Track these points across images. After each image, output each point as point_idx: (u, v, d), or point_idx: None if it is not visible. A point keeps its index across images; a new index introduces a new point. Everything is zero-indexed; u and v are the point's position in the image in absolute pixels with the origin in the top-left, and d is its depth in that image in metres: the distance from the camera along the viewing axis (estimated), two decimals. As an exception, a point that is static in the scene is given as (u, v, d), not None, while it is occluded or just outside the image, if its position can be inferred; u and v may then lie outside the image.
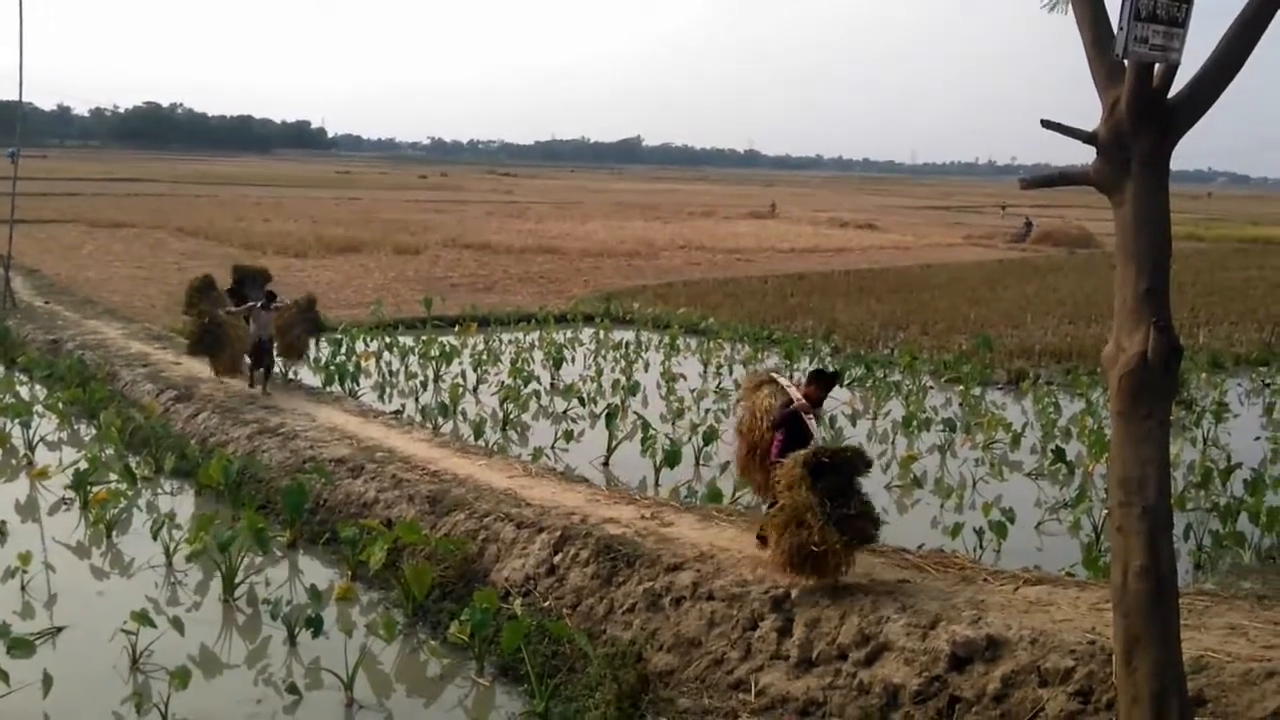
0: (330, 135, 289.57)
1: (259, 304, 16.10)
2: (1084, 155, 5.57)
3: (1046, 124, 5.53)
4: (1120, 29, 5.17)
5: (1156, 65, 5.25)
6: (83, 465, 12.51)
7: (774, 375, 10.16)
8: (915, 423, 16.01)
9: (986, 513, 11.63)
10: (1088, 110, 5.70)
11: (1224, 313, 29.33)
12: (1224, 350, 23.50)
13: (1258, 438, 16.45)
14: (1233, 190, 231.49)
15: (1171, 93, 5.33)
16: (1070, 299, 31.40)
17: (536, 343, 23.20)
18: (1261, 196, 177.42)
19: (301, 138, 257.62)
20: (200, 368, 17.50)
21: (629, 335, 24.44)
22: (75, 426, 15.70)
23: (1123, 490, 5.30)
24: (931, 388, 19.65)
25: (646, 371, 20.63)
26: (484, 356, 20.76)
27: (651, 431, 14.43)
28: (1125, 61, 5.25)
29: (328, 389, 17.61)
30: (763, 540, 8.92)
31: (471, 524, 10.53)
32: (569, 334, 24.42)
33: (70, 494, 12.40)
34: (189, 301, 17.19)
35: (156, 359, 18.84)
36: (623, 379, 19.05)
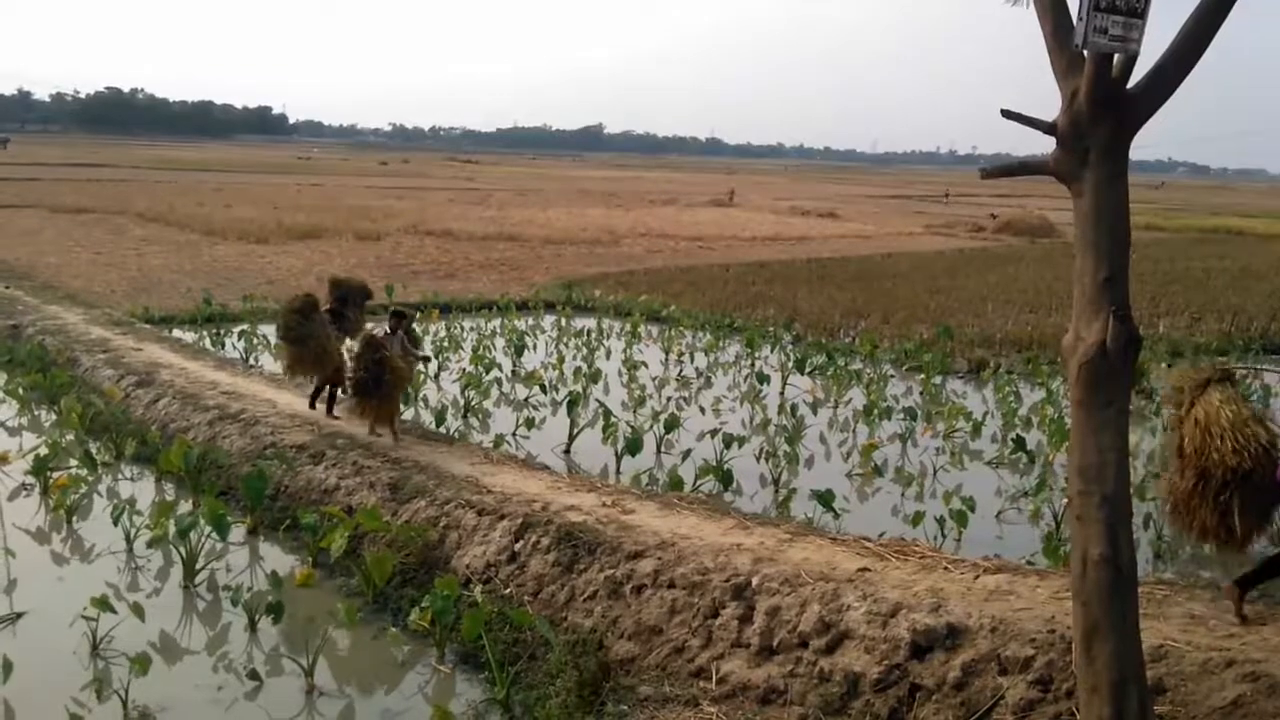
0: (291, 121, 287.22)
1: (387, 330, 13.09)
2: (1045, 145, 5.60)
3: (1006, 114, 5.56)
4: (1080, 19, 5.20)
5: (1116, 56, 5.28)
6: (43, 451, 12.43)
7: (1228, 369, 7.79)
8: (876, 411, 16.10)
9: (947, 501, 11.73)
10: (1049, 100, 5.74)
11: (1184, 303, 29.56)
12: (1184, 340, 23.67)
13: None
14: (1193, 180, 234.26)
15: (1131, 83, 5.37)
16: (1031, 288, 31.65)
17: (498, 330, 23.13)
18: (1222, 187, 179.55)
19: (263, 124, 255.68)
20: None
21: (590, 323, 24.39)
22: (35, 412, 15.58)
23: (1082, 479, 5.34)
24: (892, 376, 19.75)
25: (608, 359, 20.60)
26: (445, 343, 20.67)
27: (613, 419, 14.43)
28: (1085, 52, 5.27)
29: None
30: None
31: (432, 511, 10.49)
32: (530, 321, 24.33)
33: (30, 479, 12.30)
34: (286, 327, 13.35)
35: (117, 344, 18.64)
36: (584, 366, 19.01)
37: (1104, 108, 5.25)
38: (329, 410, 13.83)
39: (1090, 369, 5.29)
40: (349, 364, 13.22)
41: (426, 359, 15.67)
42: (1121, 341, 5.24)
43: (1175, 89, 5.34)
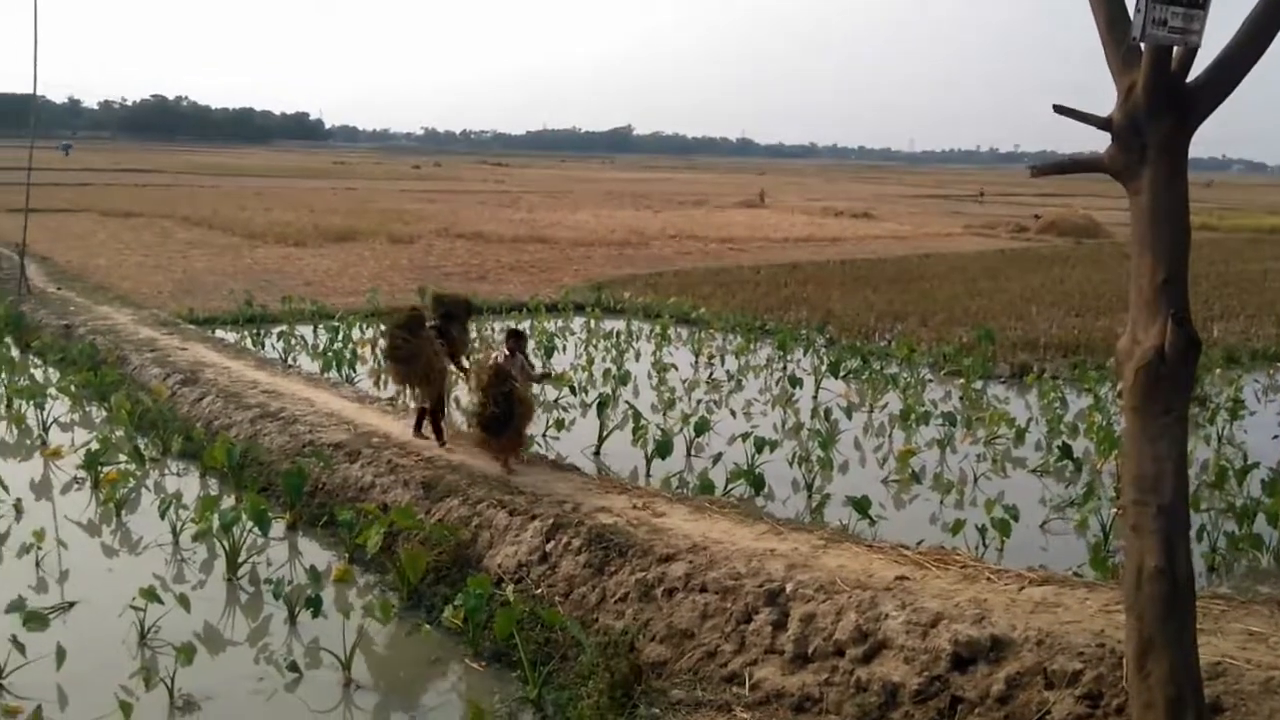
0: (327, 127, 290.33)
1: (505, 353, 11.81)
2: (1091, 142, 5.42)
3: (1060, 109, 5.37)
4: (1137, 10, 4.99)
5: (1175, 48, 5.08)
6: (94, 446, 12.76)
7: None
8: (913, 416, 15.82)
9: (989, 510, 11.33)
10: (1095, 95, 5.55)
11: (1240, 305, 28.74)
12: (1240, 345, 22.96)
13: (1276, 436, 15.91)
14: (1249, 178, 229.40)
15: (1190, 76, 5.16)
16: (1077, 290, 31.01)
17: (528, 331, 23.03)
18: (1279, 185, 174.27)
19: (300, 129, 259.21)
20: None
21: (620, 325, 24.26)
22: (87, 408, 16.04)
23: (1137, 489, 5.13)
24: (931, 380, 19.42)
25: (637, 361, 20.48)
26: (476, 345, 20.61)
27: (643, 421, 14.28)
28: (1142, 45, 5.08)
29: (325, 375, 17.57)
30: None
31: (465, 510, 10.49)
32: (560, 323, 24.27)
33: (82, 474, 12.65)
34: (393, 345, 12.31)
35: (164, 344, 19.03)
36: (614, 368, 18.91)
37: (1163, 103, 5.04)
38: (439, 438, 12.52)
39: (1147, 374, 5.08)
40: (454, 385, 12.52)
41: (546, 377, 14.68)
42: (1180, 346, 5.03)
43: (1238, 82, 5.12)
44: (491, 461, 11.68)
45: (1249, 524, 11.32)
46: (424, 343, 12.23)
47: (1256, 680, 6.28)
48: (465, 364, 13.06)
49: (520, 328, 12.65)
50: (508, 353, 11.62)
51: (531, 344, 13.11)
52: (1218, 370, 20.09)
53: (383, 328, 14.09)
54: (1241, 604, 7.74)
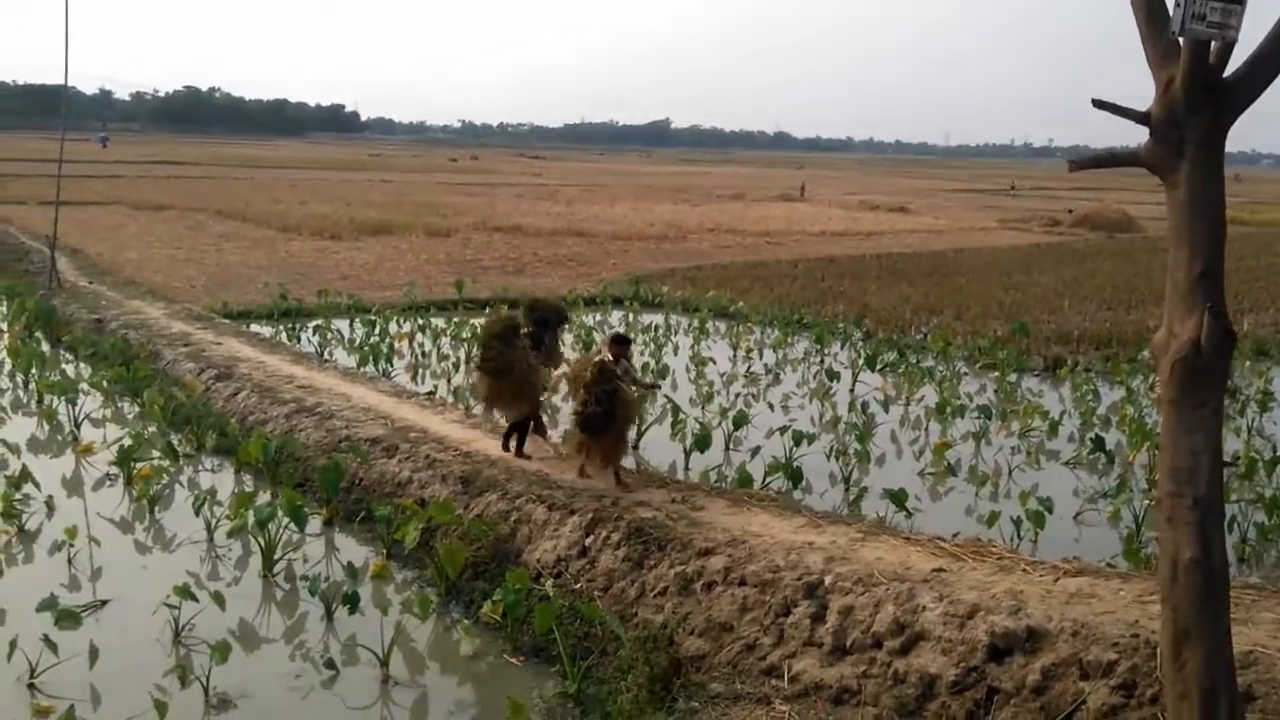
0: (363, 119, 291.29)
1: (609, 358, 10.75)
2: (1125, 137, 5.47)
3: (1098, 104, 5.40)
4: (1177, 5, 5.02)
5: (1213, 43, 5.10)
6: (127, 442, 12.64)
7: None
8: (949, 409, 15.84)
9: (1023, 502, 11.43)
10: (1129, 91, 5.57)
11: (1270, 299, 28.73)
12: (1269, 338, 22.97)
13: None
14: (1278, 173, 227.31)
15: (1228, 71, 5.18)
16: (1110, 284, 30.92)
17: (566, 325, 23.13)
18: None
19: (335, 122, 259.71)
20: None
21: (658, 318, 24.35)
22: (119, 404, 15.91)
23: (1173, 480, 5.17)
24: (966, 374, 19.43)
25: (675, 355, 20.56)
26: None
27: (681, 415, 14.37)
28: (1180, 39, 5.11)
29: (362, 370, 17.68)
30: None
31: (504, 505, 10.52)
32: (598, 317, 24.38)
33: (114, 470, 12.55)
34: (486, 356, 11.53)
35: (197, 339, 19.02)
36: (652, 362, 18.98)
37: (1200, 97, 5.07)
38: (518, 449, 11.85)
39: (1183, 367, 5.12)
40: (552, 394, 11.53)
41: (655, 388, 13.60)
42: (1216, 339, 5.06)
43: (1275, 77, 5.14)
44: (594, 473, 10.87)
45: (1278, 515, 11.40)
46: (519, 354, 11.43)
47: (1289, 670, 6.30)
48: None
49: (626, 333, 11.74)
50: (610, 357, 10.79)
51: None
52: (1248, 363, 20.08)
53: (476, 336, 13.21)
54: (1272, 593, 7.75)
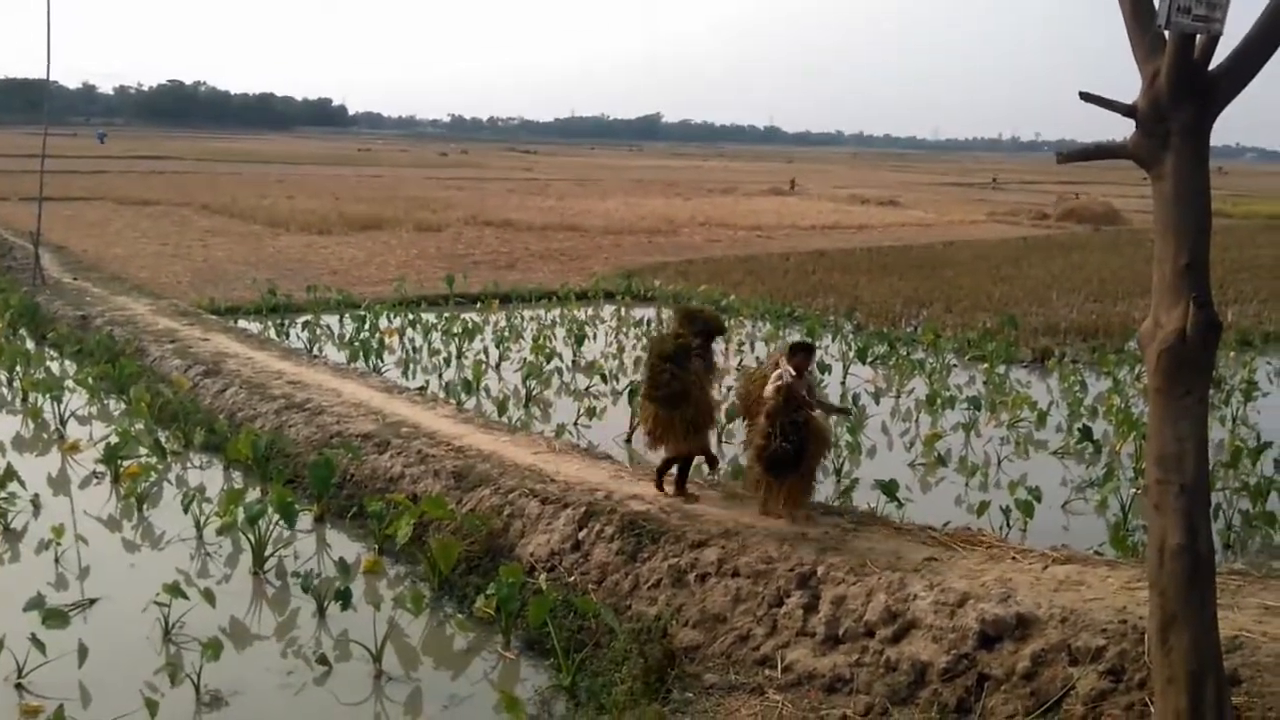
0: (351, 113, 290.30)
1: (790, 371, 9.16)
2: (1111, 131, 5.53)
3: (1085, 96, 5.46)
4: (1162, -1, 5.09)
5: (1198, 36, 5.16)
6: (113, 439, 12.58)
7: None
8: (939, 401, 15.92)
9: (1012, 491, 11.58)
10: (1114, 86, 5.64)
11: (1253, 290, 28.98)
12: (1253, 328, 23.23)
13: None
14: (1262, 166, 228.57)
15: (1212, 64, 5.24)
16: (1096, 276, 31.11)
17: (558, 319, 23.22)
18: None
19: (323, 115, 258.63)
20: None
21: (650, 312, 24.40)
22: (105, 401, 15.80)
23: (1160, 468, 5.25)
24: (955, 366, 19.53)
25: (669, 348, 20.54)
26: (506, 333, 20.78)
27: (675, 408, 14.38)
28: (1166, 32, 5.16)
29: (352, 365, 17.67)
30: None
31: (496, 499, 10.53)
32: (590, 311, 24.42)
33: (101, 468, 12.49)
34: (656, 382, 9.78)
35: (184, 335, 18.94)
36: (645, 356, 18.96)
37: (1186, 90, 5.14)
38: (680, 487, 10.19)
39: (1169, 356, 5.19)
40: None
41: (846, 412, 12.05)
42: (1201, 329, 5.13)
43: (1259, 70, 5.21)
44: (766, 512, 9.40)
45: (1263, 502, 11.60)
46: (694, 378, 9.75)
47: (1272, 652, 6.41)
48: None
49: (809, 341, 10.05)
50: (793, 371, 9.15)
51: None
52: (1232, 353, 20.28)
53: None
54: (1257, 579, 7.90)
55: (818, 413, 9.34)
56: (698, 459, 10.35)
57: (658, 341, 10.18)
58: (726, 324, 11.46)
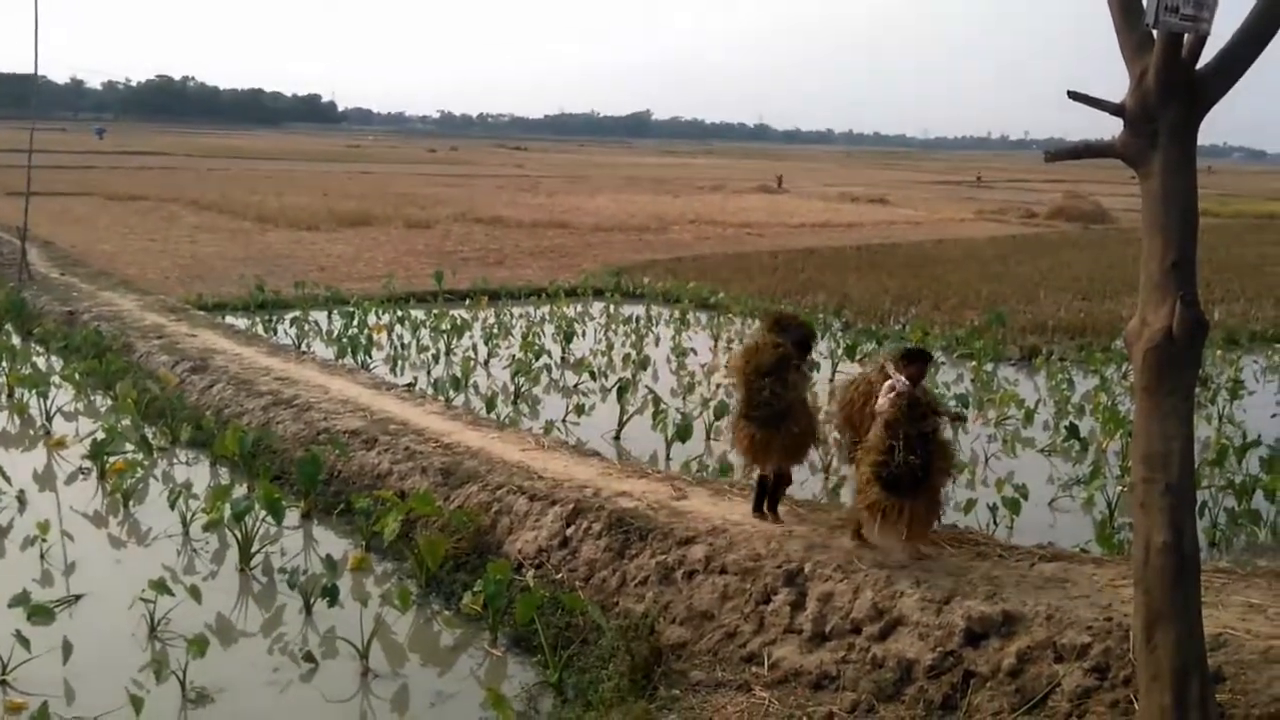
0: (340, 109, 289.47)
1: (903, 380, 8.09)
2: (1099, 130, 5.55)
3: (1073, 95, 5.47)
4: (1150, -1, 5.10)
5: (1186, 36, 5.17)
6: (100, 435, 12.53)
7: None
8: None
9: (999, 489, 11.60)
10: (1102, 84, 5.65)
11: (1240, 289, 29.19)
12: (1240, 327, 23.38)
13: (1274, 415, 16.38)
14: (1249, 165, 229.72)
15: (1200, 64, 5.26)
16: (1084, 274, 31.23)
17: (547, 316, 23.22)
18: (1278, 172, 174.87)
19: (312, 112, 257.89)
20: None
21: (639, 310, 24.40)
22: (91, 397, 15.74)
23: (1146, 466, 5.26)
24: (944, 363, 19.51)
25: (657, 346, 20.60)
26: (495, 330, 20.77)
27: (662, 406, 14.42)
28: (1154, 32, 5.18)
29: (340, 362, 17.63)
30: None
31: (484, 496, 10.52)
32: (579, 308, 24.38)
33: (87, 464, 12.45)
34: (754, 400, 8.79)
35: (171, 331, 18.89)
36: (633, 353, 19.02)
37: (1173, 89, 5.15)
38: (772, 507, 9.31)
39: (1156, 355, 5.21)
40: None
41: (960, 418, 10.81)
42: (1188, 327, 5.16)
43: (1246, 70, 5.24)
44: (889, 542, 8.26)
45: (1248, 500, 11.66)
46: (795, 393, 8.90)
47: (1256, 650, 6.43)
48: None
49: (924, 348, 8.98)
50: (906, 382, 8.10)
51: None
52: (1218, 351, 20.37)
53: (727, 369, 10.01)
54: (1241, 577, 7.93)
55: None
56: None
57: (753, 353, 9.02)
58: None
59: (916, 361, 8.23)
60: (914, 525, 8.00)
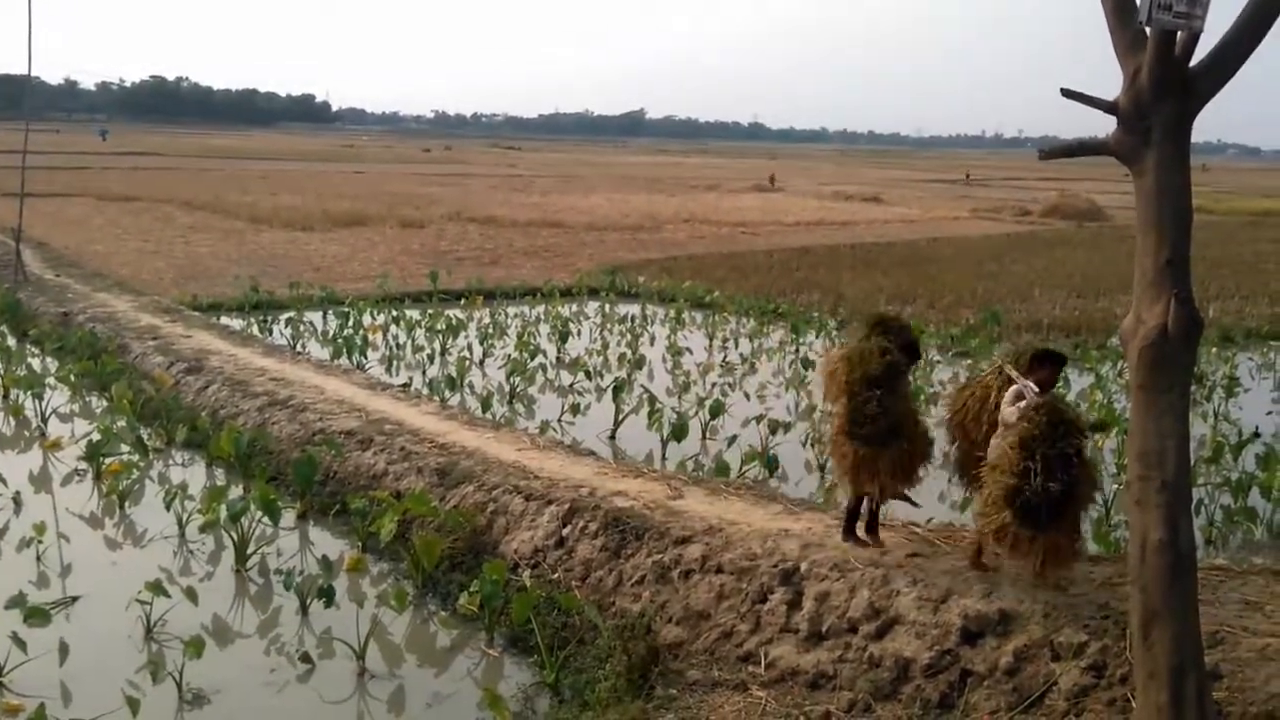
0: (334, 109, 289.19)
1: (1032, 388, 7.16)
2: (1092, 128, 5.54)
3: (1067, 93, 5.48)
4: (1143, -4, 5.10)
5: (1179, 33, 5.18)
6: (95, 437, 12.52)
7: None
8: (923, 397, 15.88)
9: (996, 487, 11.58)
10: (1094, 83, 5.65)
11: (1235, 287, 29.23)
12: (1234, 324, 23.41)
13: (1269, 412, 16.42)
14: (1243, 163, 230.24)
15: (1193, 62, 5.27)
16: (1079, 273, 31.28)
17: (542, 316, 23.20)
18: (1273, 169, 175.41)
19: (306, 112, 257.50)
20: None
21: (634, 309, 24.41)
22: (87, 399, 15.72)
23: (1142, 464, 5.27)
24: (939, 362, 19.55)
25: (652, 345, 20.60)
26: (490, 330, 20.74)
27: (658, 405, 14.41)
28: (1147, 29, 5.18)
29: (335, 362, 17.61)
30: None
31: (480, 496, 10.51)
32: (574, 307, 24.39)
33: (83, 465, 12.41)
34: (862, 414, 7.93)
35: (166, 332, 18.83)
36: (628, 352, 19.02)
37: (1167, 87, 5.17)
38: (871, 528, 8.45)
39: (1151, 352, 5.22)
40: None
41: (1103, 426, 9.79)
42: (1183, 325, 5.16)
43: (1239, 68, 5.25)
44: (1023, 567, 7.34)
45: (1244, 497, 11.69)
46: (905, 404, 8.20)
47: (1253, 648, 6.45)
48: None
49: (1058, 349, 7.78)
50: (1035, 388, 7.15)
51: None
52: (1214, 349, 20.42)
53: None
54: (1238, 574, 7.94)
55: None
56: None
57: (858, 361, 8.00)
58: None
59: (1048, 364, 7.24)
60: (1054, 557, 7.01)
